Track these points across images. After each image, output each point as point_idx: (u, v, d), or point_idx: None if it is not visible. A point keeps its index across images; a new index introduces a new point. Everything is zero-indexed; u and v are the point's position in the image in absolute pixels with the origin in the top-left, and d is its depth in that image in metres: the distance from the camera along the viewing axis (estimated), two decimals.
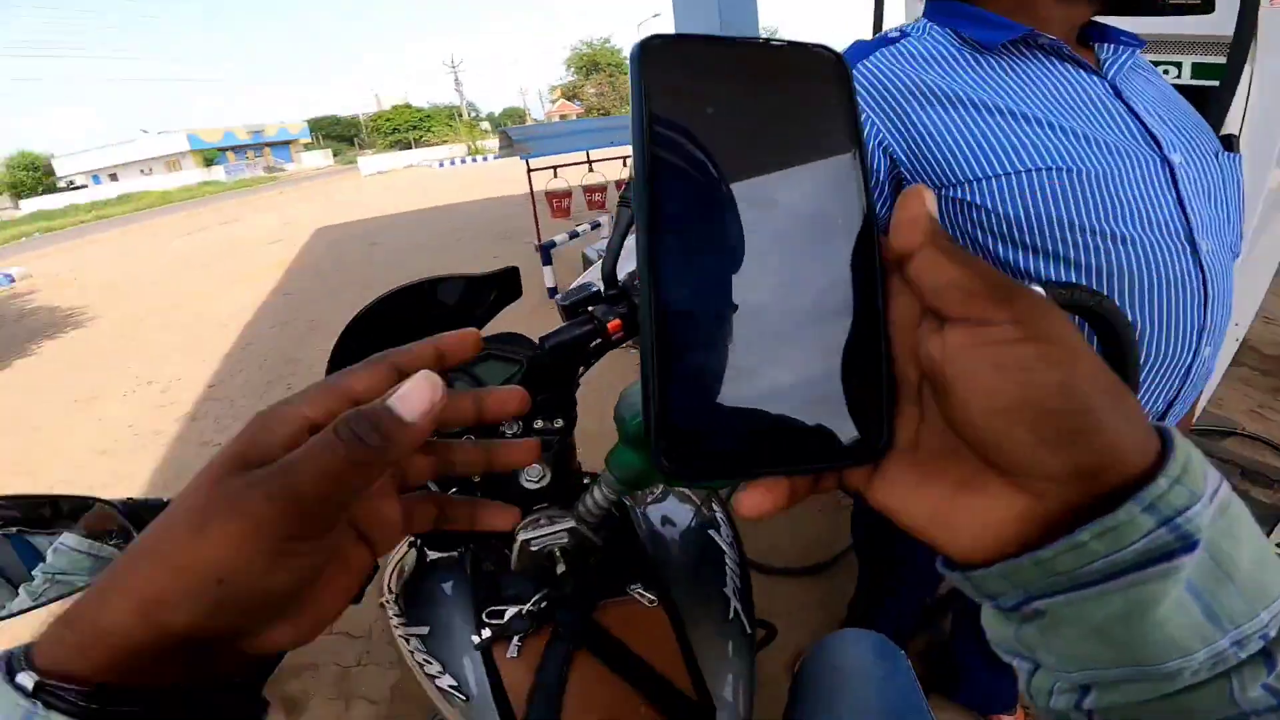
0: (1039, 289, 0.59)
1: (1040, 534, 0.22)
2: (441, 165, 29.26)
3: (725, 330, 0.23)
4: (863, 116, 0.64)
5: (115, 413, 4.21)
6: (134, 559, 0.24)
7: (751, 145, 0.24)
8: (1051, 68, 0.76)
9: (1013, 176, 0.70)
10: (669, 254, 0.22)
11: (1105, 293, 0.69)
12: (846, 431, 0.23)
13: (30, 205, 41.60)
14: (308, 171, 45.05)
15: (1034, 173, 0.70)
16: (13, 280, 10.18)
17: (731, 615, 0.74)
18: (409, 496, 0.32)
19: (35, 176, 49.99)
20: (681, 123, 0.23)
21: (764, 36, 0.25)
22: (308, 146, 61.89)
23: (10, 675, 0.23)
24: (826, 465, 0.24)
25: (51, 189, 48.79)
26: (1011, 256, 0.74)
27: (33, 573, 0.58)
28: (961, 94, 0.73)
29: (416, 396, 0.25)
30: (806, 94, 0.25)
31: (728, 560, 0.80)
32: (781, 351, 0.23)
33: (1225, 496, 0.21)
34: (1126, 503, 0.20)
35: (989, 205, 0.72)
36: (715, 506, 0.88)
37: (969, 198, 0.73)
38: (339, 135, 66.22)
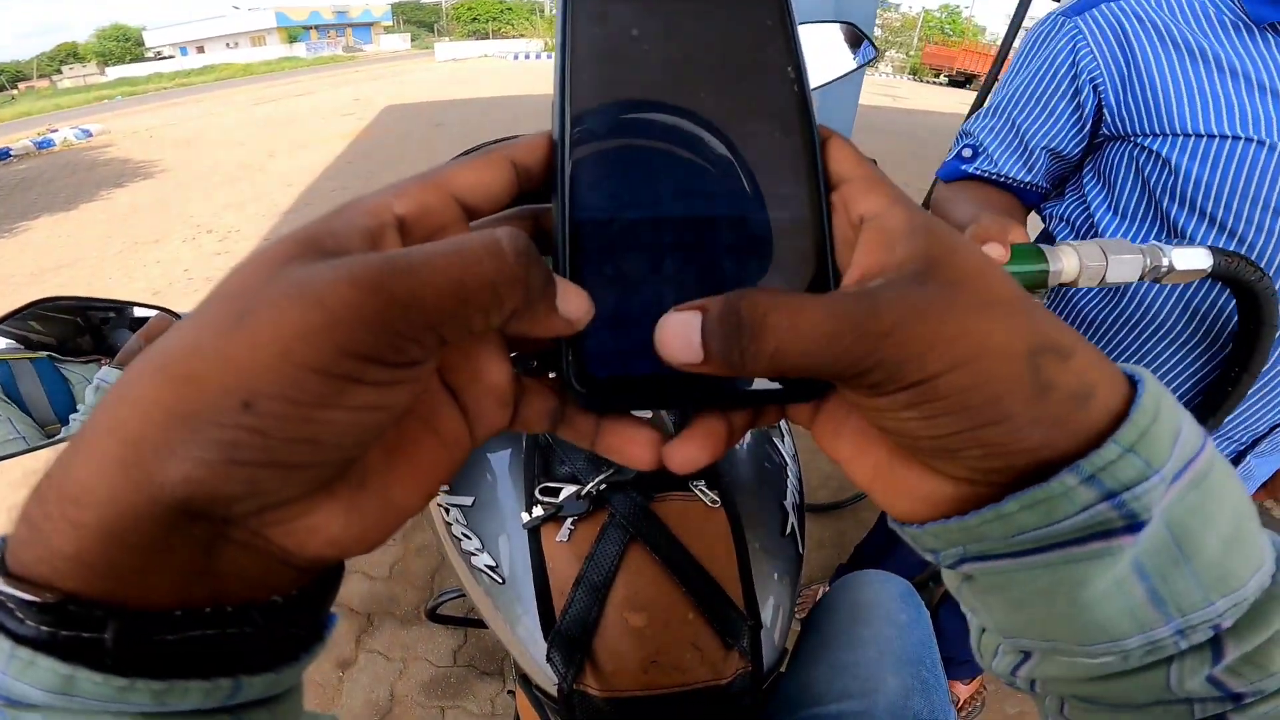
0: (1204, 251, 0.57)
1: (973, 502, 0.20)
2: (516, 58, 30.22)
3: (652, 252, 0.21)
4: (1084, 50, 0.75)
5: (173, 256, 4.39)
6: (127, 381, 0.16)
7: (680, 70, 0.23)
8: None
9: (1225, 141, 0.70)
10: (587, 171, 0.22)
11: None
12: None
13: (116, 72, 43.78)
14: (385, 54, 46.57)
15: (1248, 142, 0.69)
16: (90, 135, 10.21)
17: (788, 530, 0.70)
18: (526, 373, 0.24)
19: (125, 46, 52.74)
20: (606, 48, 0.23)
21: None
22: (388, 29, 64.40)
23: None
24: (758, 399, 0.22)
25: (139, 59, 51.15)
26: (1186, 223, 0.74)
27: (71, 416, 0.53)
28: (1207, 50, 0.71)
29: (576, 297, 0.20)
30: (741, 21, 0.23)
31: (789, 473, 0.76)
32: (712, 276, 0.21)
33: (1203, 466, 0.19)
34: (1061, 472, 0.18)
35: (1185, 165, 0.72)
36: None
37: (1166, 153, 0.72)
38: (420, 21, 68.05)
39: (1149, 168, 0.74)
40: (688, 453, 0.22)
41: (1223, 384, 0.71)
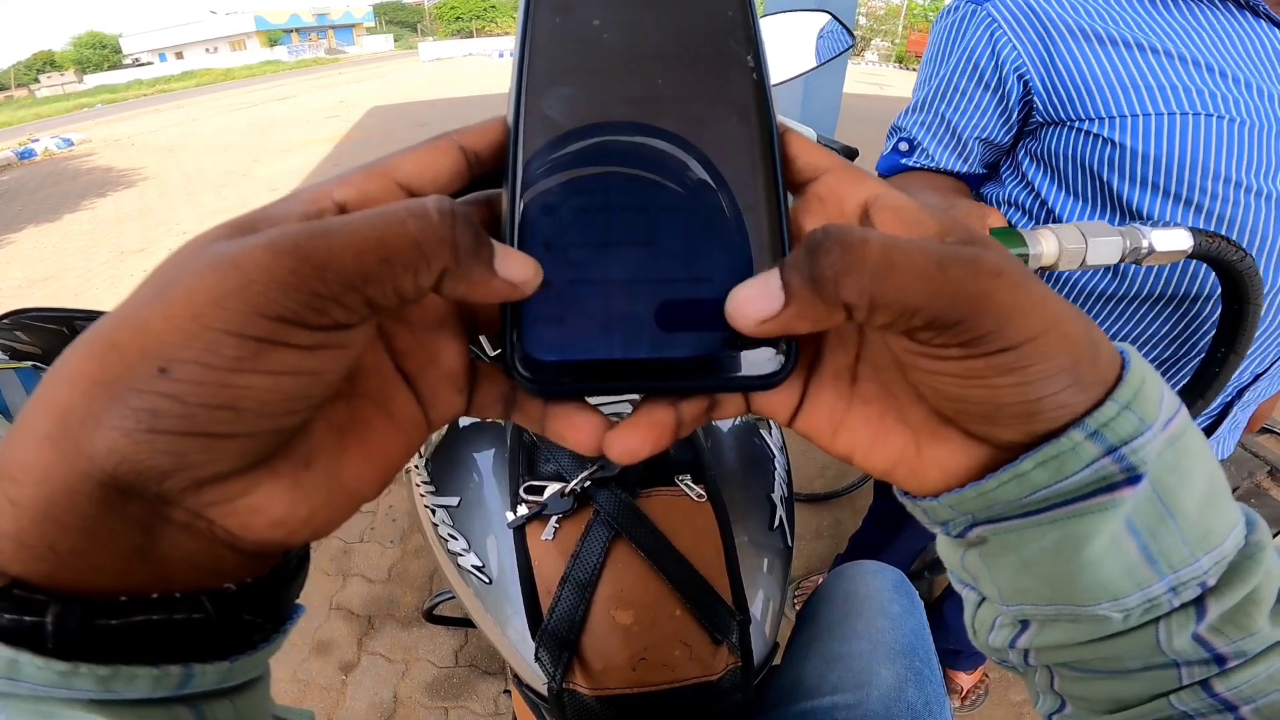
0: (1184, 232, 0.58)
1: (989, 467, 0.21)
2: (501, 56, 30.08)
3: (600, 236, 0.21)
4: (1003, 41, 0.75)
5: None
6: (60, 359, 0.17)
7: (639, 59, 0.23)
8: (1234, 19, 0.73)
9: (1162, 118, 0.70)
10: (539, 155, 0.21)
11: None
12: (738, 350, 0.21)
13: (95, 80, 43.37)
14: (368, 55, 45.99)
15: (1186, 116, 0.69)
16: (71, 144, 10.11)
17: (776, 524, 0.70)
18: (479, 359, 0.24)
19: (102, 54, 52.20)
20: (565, 35, 0.23)
21: None
22: (370, 31, 64.06)
23: None
24: (715, 385, 0.21)
25: (118, 66, 50.68)
26: (1139, 199, 0.74)
27: None
28: (1120, 35, 0.72)
29: (518, 262, 0.19)
30: (702, 10, 0.24)
31: (776, 465, 0.75)
32: (664, 261, 0.21)
33: (1178, 428, 0.20)
34: (1070, 429, 0.19)
35: (1128, 143, 0.72)
36: None
37: (1107, 133, 0.73)
38: (402, 21, 67.64)
39: (1095, 149, 0.75)
40: (628, 442, 0.21)
41: (1210, 364, 0.71)
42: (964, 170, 0.85)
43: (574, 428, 0.22)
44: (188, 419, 0.16)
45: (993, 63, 0.77)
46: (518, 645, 0.58)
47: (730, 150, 0.22)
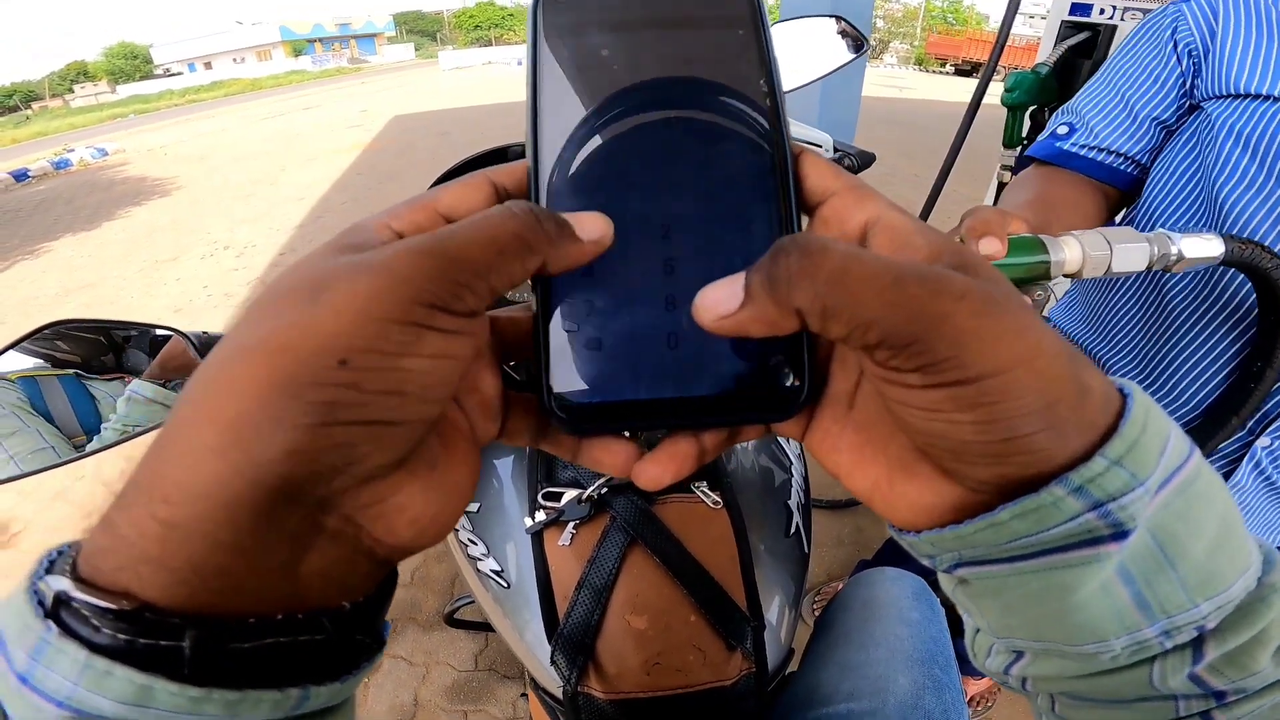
0: (1216, 238, 0.55)
1: (971, 512, 0.20)
2: (520, 64, 29.13)
3: (626, 278, 0.22)
4: (1182, 28, 0.74)
5: (192, 274, 4.42)
6: (210, 373, 0.17)
7: (651, 88, 0.23)
8: None
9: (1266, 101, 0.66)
10: (559, 199, 0.22)
11: None
12: (761, 381, 0.22)
13: (127, 90, 44.41)
14: (390, 64, 46.67)
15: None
16: (105, 154, 10.29)
17: (792, 531, 0.70)
18: (514, 389, 0.25)
19: (134, 64, 53.45)
20: (575, 69, 0.23)
21: None
22: (391, 40, 64.77)
23: (36, 580, 0.16)
24: (736, 419, 0.23)
25: (149, 76, 51.86)
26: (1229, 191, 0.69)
27: (102, 426, 0.54)
28: None
29: (591, 221, 0.21)
30: (714, 27, 0.23)
31: (793, 472, 0.75)
32: (685, 294, 0.21)
33: (1190, 474, 0.19)
34: (1051, 484, 0.18)
35: (1229, 123, 0.69)
36: None
37: (1216, 113, 0.70)
38: (422, 30, 68.46)
39: (1204, 133, 0.72)
40: (651, 472, 0.23)
41: (1245, 380, 0.68)
42: (1130, 150, 0.81)
43: (609, 454, 0.24)
44: (363, 406, 0.17)
45: (1172, 41, 0.76)
46: (534, 649, 0.59)
47: (746, 182, 0.22)
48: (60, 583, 0.16)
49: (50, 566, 0.17)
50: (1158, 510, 0.19)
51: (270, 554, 0.17)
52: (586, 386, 0.22)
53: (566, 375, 0.22)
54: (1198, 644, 0.20)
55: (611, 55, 0.23)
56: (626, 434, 0.24)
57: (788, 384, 0.22)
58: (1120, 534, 0.18)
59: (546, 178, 0.22)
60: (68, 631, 0.16)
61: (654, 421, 0.22)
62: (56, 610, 0.16)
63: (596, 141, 0.22)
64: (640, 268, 0.22)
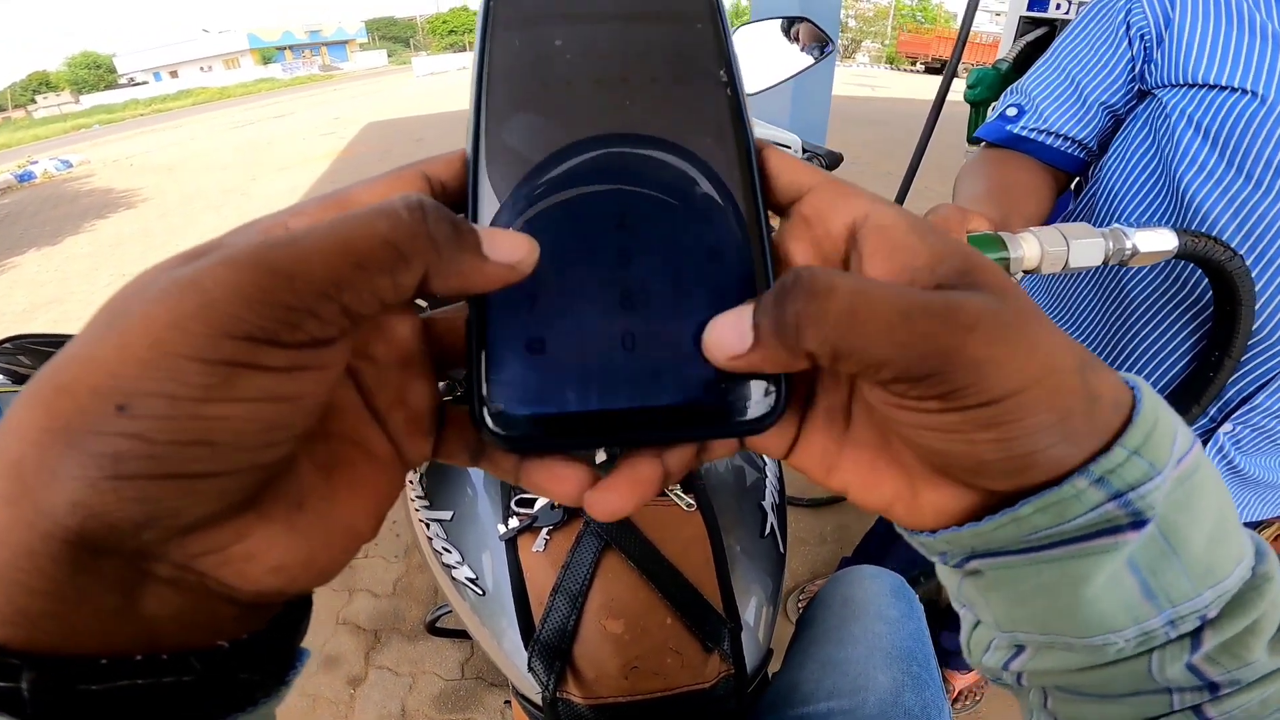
0: (1169, 232, 0.56)
1: (987, 508, 0.20)
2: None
3: (571, 277, 0.19)
4: (1136, 11, 0.73)
5: None
6: (17, 400, 0.15)
7: (603, 83, 0.21)
8: None
9: (1221, 92, 0.67)
10: (500, 190, 0.20)
11: (1250, 244, 0.68)
12: (727, 393, 0.19)
13: (91, 100, 43.56)
14: (362, 71, 46.18)
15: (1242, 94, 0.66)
16: (70, 166, 10.18)
17: (767, 531, 0.70)
18: (454, 401, 0.22)
19: (97, 74, 52.48)
20: (526, 58, 0.21)
21: None
22: (363, 47, 64.17)
23: None
24: (703, 433, 0.20)
25: (113, 85, 50.97)
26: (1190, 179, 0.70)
27: None
28: (1254, 16, 0.67)
29: (509, 241, 0.18)
30: (670, 23, 0.22)
31: (768, 472, 0.75)
32: (639, 297, 0.19)
33: (1190, 465, 0.19)
34: (1072, 476, 0.18)
35: (1189, 113, 0.70)
36: None
37: (1173, 103, 0.71)
38: (395, 36, 67.93)
39: (1159, 122, 0.73)
40: (608, 502, 0.20)
41: (1204, 369, 0.69)
42: (1079, 134, 0.81)
43: (555, 480, 0.21)
44: (156, 460, 0.14)
45: (1125, 25, 0.76)
46: (512, 656, 0.59)
47: (706, 176, 0.21)
48: None
49: None
50: (1164, 502, 0.19)
51: (96, 599, 0.15)
52: (526, 396, 0.19)
53: (503, 383, 0.19)
54: (1196, 634, 0.20)
55: (565, 46, 0.21)
56: (582, 453, 0.22)
57: (763, 392, 0.19)
58: (1139, 522, 0.18)
59: (485, 170, 0.20)
60: None
61: (607, 438, 0.20)
62: None
63: (545, 132, 0.21)
64: (592, 263, 0.20)
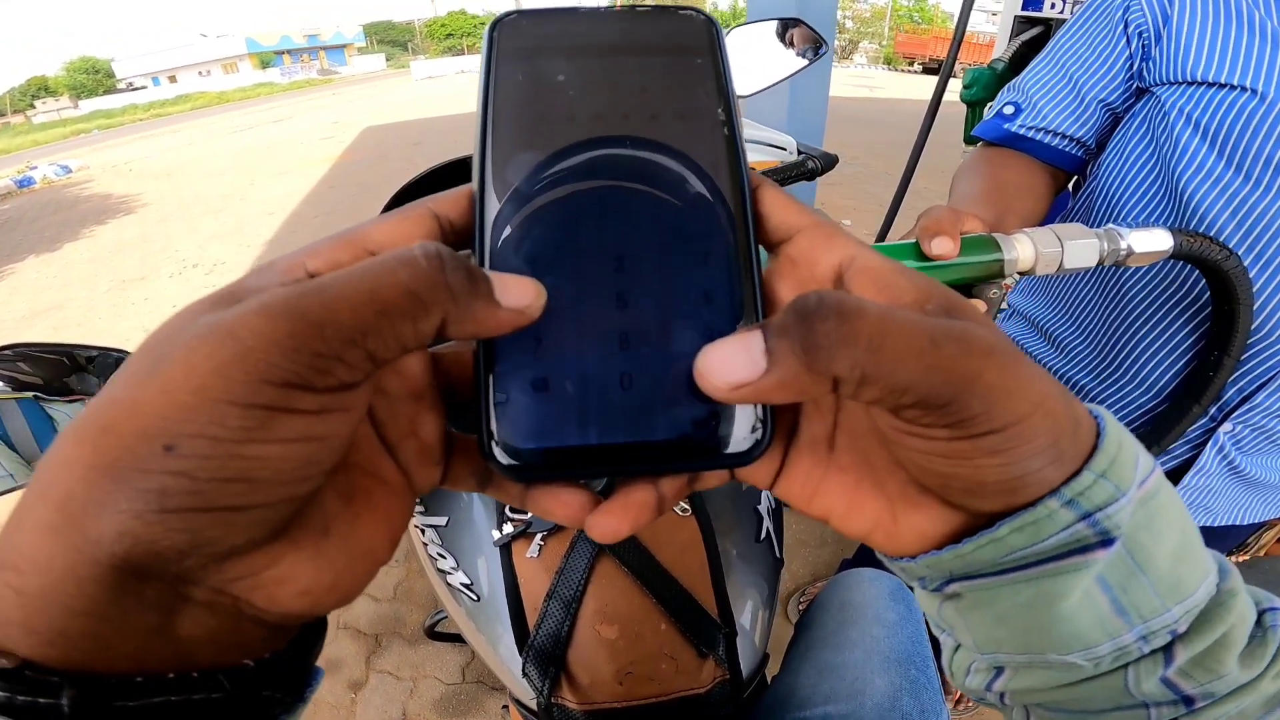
0: (1164, 232, 0.56)
1: (964, 531, 0.21)
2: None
3: (574, 314, 0.20)
4: (1134, 8, 0.73)
5: (161, 293, 4.35)
6: (54, 445, 0.16)
7: (605, 115, 0.22)
8: None
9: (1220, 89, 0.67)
10: (507, 229, 0.21)
11: (1249, 243, 0.68)
12: (716, 427, 0.20)
13: (90, 105, 43.62)
14: (360, 75, 46.27)
15: (1241, 91, 0.66)
16: (70, 171, 10.28)
17: (763, 535, 0.70)
18: (459, 432, 0.24)
19: (96, 79, 52.54)
20: (530, 95, 0.22)
21: (631, 3, 0.25)
22: (361, 51, 64.31)
23: None
24: (696, 465, 0.21)
25: (111, 90, 51.01)
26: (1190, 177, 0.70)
27: None
28: (1253, 13, 0.67)
29: (519, 286, 0.19)
30: (670, 59, 0.23)
31: None
32: (639, 336, 0.20)
33: (1152, 487, 0.20)
34: (1047, 498, 0.19)
35: (1186, 110, 0.69)
36: None
37: (1172, 101, 0.71)
38: (393, 40, 68.06)
39: (1158, 120, 0.72)
40: (607, 525, 0.21)
41: (1204, 368, 0.69)
42: (1077, 133, 0.80)
43: (560, 504, 0.22)
44: (199, 495, 0.15)
45: (1123, 22, 0.75)
46: (507, 661, 0.59)
47: (704, 217, 0.21)
48: None
49: None
50: (1129, 522, 0.20)
51: (136, 620, 0.16)
52: (531, 431, 0.20)
53: (509, 419, 0.20)
54: (1168, 649, 0.21)
55: (568, 81, 0.22)
56: (579, 481, 0.23)
57: (750, 426, 0.21)
58: (1107, 541, 0.19)
59: (493, 213, 0.21)
60: None
61: (606, 469, 0.21)
62: None
63: (549, 175, 0.21)
64: (592, 303, 0.21)
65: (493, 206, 0.21)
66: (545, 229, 0.21)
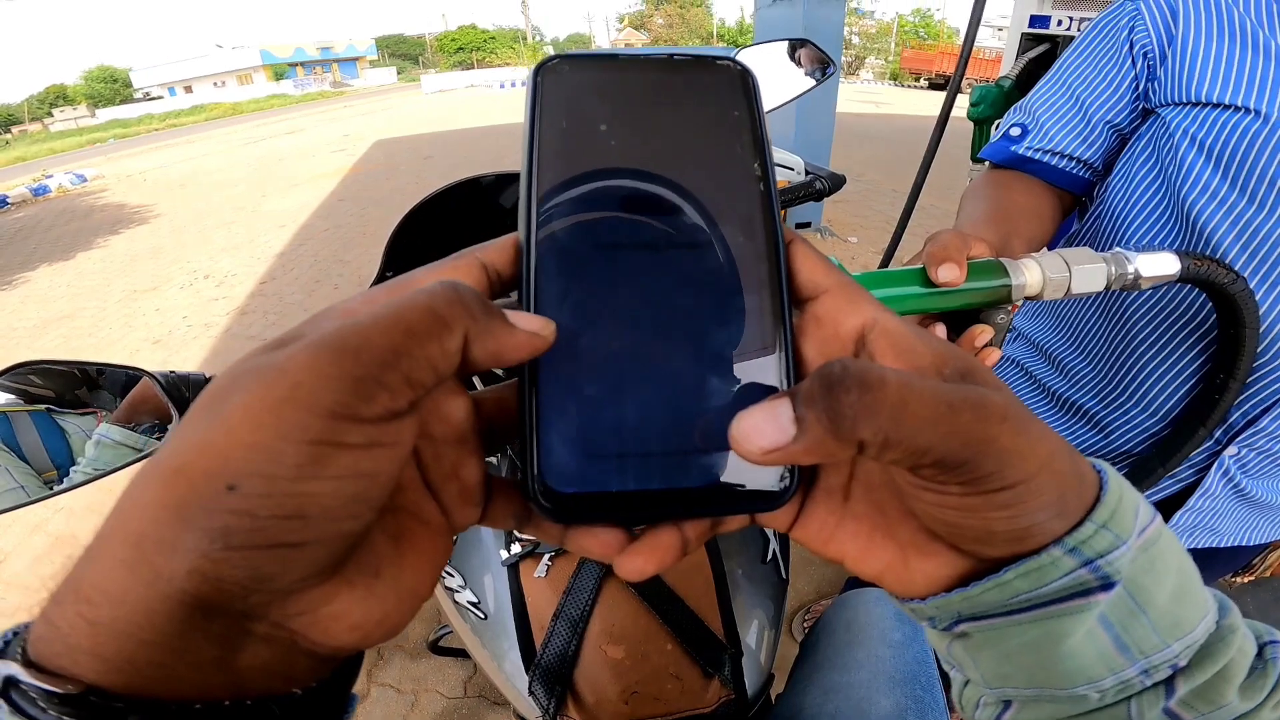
0: (1171, 256, 0.55)
1: (972, 575, 0.22)
2: (503, 86, 30.49)
3: (617, 366, 0.22)
4: (1140, 28, 0.73)
5: (171, 304, 4.36)
6: (130, 484, 0.17)
7: (646, 167, 0.23)
8: None
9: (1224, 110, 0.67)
10: (552, 281, 0.22)
11: (1254, 266, 0.67)
12: (750, 473, 0.22)
13: (107, 114, 44.15)
14: (372, 88, 46.72)
15: (1245, 113, 0.66)
16: (85, 180, 10.38)
17: (769, 556, 0.70)
18: (494, 475, 0.25)
19: (114, 88, 53.18)
20: (572, 146, 0.23)
21: (670, 51, 0.25)
22: (374, 64, 64.97)
23: None
24: (724, 510, 0.23)
25: (128, 100, 51.61)
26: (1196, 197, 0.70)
27: (73, 468, 0.56)
28: (1257, 33, 0.67)
29: (529, 318, 0.21)
30: (708, 110, 0.24)
31: None
32: (675, 388, 0.22)
33: (1152, 534, 0.22)
34: (1050, 547, 0.21)
35: (1191, 132, 0.69)
36: None
37: (1176, 123, 0.70)
38: (404, 54, 68.82)
39: (1163, 141, 0.72)
40: (635, 564, 0.23)
41: (1210, 392, 0.69)
42: (1084, 155, 0.80)
43: (597, 542, 0.23)
44: (260, 532, 0.16)
45: (1129, 43, 0.75)
46: (513, 679, 0.59)
47: (738, 272, 0.23)
48: (9, 667, 0.17)
49: (4, 648, 0.17)
50: (1129, 566, 0.21)
51: (200, 651, 0.17)
52: (572, 476, 0.21)
53: (554, 464, 0.21)
54: (1169, 682, 0.22)
55: (610, 133, 0.23)
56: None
57: (779, 476, 0.22)
58: (1108, 585, 0.21)
59: (538, 264, 0.22)
60: (19, 712, 0.16)
61: (641, 514, 0.22)
62: (8, 691, 0.16)
63: (594, 231, 0.22)
64: (631, 356, 0.22)
65: (538, 259, 0.22)
66: (590, 283, 0.22)
